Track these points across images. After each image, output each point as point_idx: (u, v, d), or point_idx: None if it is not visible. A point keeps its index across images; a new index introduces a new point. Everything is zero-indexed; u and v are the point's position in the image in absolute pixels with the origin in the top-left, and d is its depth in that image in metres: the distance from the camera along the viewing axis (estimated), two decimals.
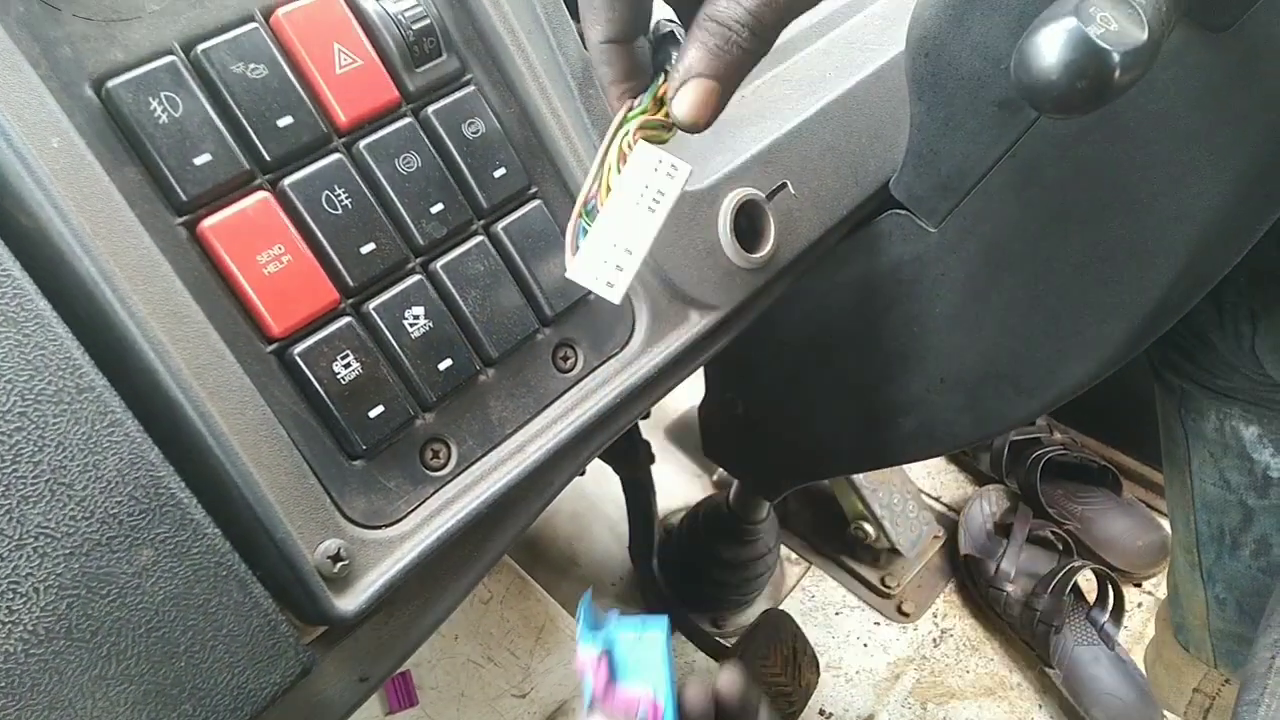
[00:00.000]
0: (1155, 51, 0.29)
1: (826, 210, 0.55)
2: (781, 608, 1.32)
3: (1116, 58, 0.28)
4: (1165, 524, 1.36)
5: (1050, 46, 0.28)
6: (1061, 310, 0.55)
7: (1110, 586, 1.26)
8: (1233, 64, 0.41)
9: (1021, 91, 0.29)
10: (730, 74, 0.36)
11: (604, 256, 0.38)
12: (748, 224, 0.52)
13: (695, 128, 0.37)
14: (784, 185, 0.53)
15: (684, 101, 0.37)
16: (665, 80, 0.39)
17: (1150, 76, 0.43)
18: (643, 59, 0.40)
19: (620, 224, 0.38)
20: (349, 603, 0.38)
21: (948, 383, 0.65)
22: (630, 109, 0.40)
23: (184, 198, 0.35)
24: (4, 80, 0.32)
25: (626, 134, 0.39)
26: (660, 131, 0.40)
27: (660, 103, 0.39)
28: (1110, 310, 0.53)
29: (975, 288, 0.58)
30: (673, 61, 0.39)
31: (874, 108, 0.57)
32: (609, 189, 0.38)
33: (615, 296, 0.38)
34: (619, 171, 0.38)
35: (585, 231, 0.38)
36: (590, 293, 0.47)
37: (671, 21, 0.44)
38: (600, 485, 1.43)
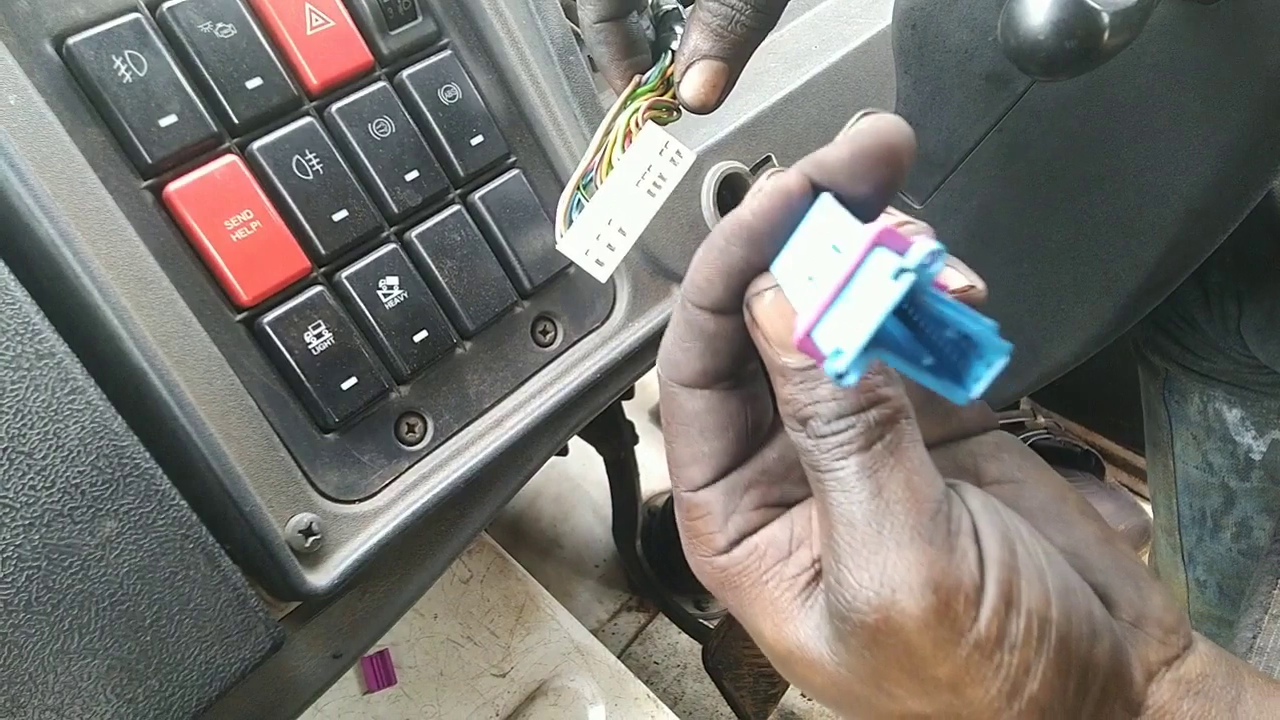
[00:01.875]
0: (1145, 15, 0.28)
1: None
2: None
3: (1106, 18, 0.27)
4: (1148, 508, 1.37)
5: (1039, 5, 0.27)
6: (1047, 288, 0.55)
7: None
8: (1221, 39, 0.41)
9: (1009, 53, 0.28)
10: (737, 53, 0.36)
11: (597, 233, 0.37)
12: (731, 197, 0.52)
13: (704, 109, 0.37)
14: (768, 159, 0.52)
15: (691, 83, 0.36)
16: (672, 61, 0.38)
17: (1139, 50, 0.43)
18: (638, 34, 0.39)
19: (618, 203, 0.37)
20: (321, 578, 0.37)
21: None
22: (638, 85, 0.39)
23: (149, 160, 0.34)
24: None
25: (636, 111, 0.38)
26: (666, 113, 0.39)
27: (668, 83, 0.39)
28: (1096, 289, 0.52)
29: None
30: (677, 41, 0.38)
31: (860, 82, 0.56)
32: (610, 165, 0.38)
33: (603, 275, 0.38)
34: (623, 149, 0.38)
35: (580, 205, 0.37)
36: (571, 265, 0.46)
37: None
38: (584, 467, 1.42)
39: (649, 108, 0.38)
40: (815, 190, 0.24)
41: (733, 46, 0.35)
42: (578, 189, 0.38)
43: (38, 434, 0.31)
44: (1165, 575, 0.91)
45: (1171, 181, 0.46)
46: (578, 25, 0.48)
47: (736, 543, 0.27)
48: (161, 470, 0.33)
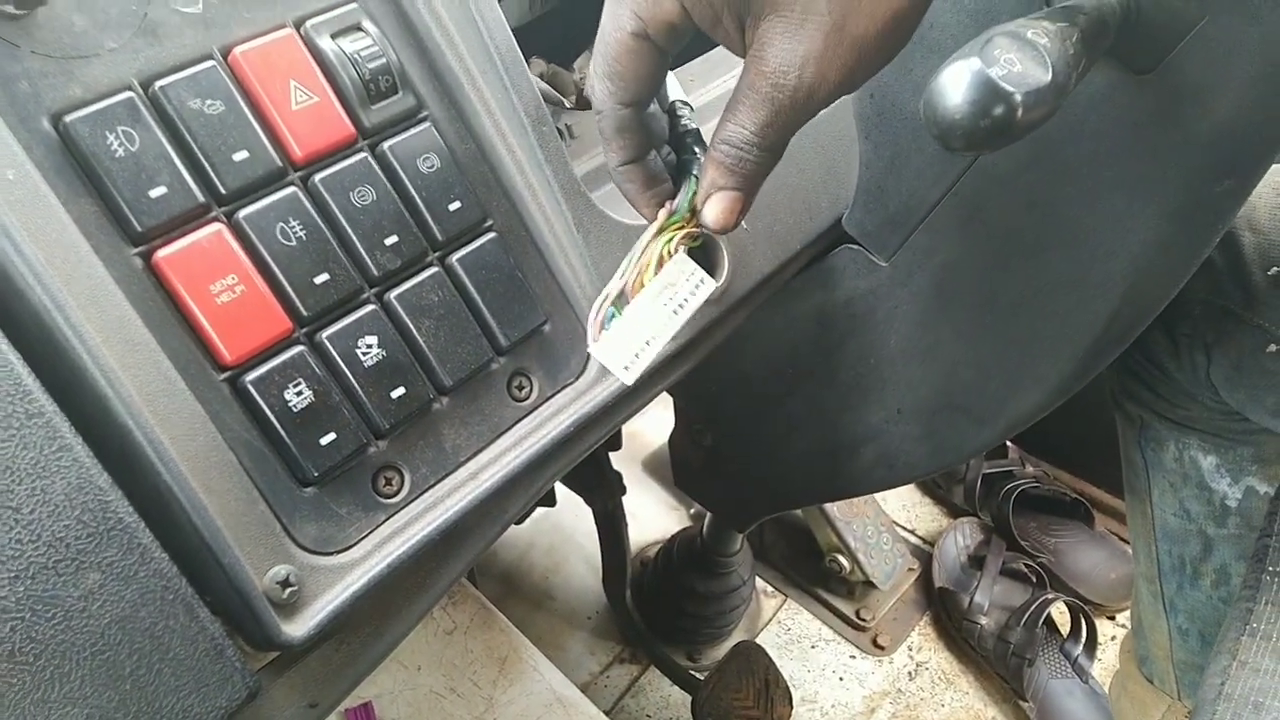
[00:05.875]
0: (1061, 92, 0.30)
1: (780, 245, 0.56)
2: (757, 641, 1.31)
3: (1019, 98, 0.29)
4: None
5: (955, 87, 0.29)
6: (1010, 342, 0.57)
7: (1083, 619, 1.27)
8: (1156, 106, 0.43)
9: (931, 132, 0.30)
10: (749, 183, 0.41)
11: (627, 343, 0.41)
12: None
13: (725, 231, 0.42)
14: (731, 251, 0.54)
15: (713, 211, 0.41)
16: (695, 188, 0.43)
17: (1081, 117, 0.45)
18: (658, 169, 0.45)
19: (647, 318, 0.42)
20: (298, 629, 0.38)
21: (905, 413, 0.66)
22: (670, 214, 0.43)
23: (139, 229, 0.36)
24: None
25: (670, 241, 0.43)
26: (693, 240, 0.44)
27: (693, 210, 0.43)
28: (1055, 341, 0.54)
29: (927, 320, 0.59)
30: (696, 168, 0.44)
31: (826, 146, 0.58)
32: (642, 285, 0.42)
33: (630, 379, 0.42)
34: (655, 273, 0.42)
35: (613, 317, 0.42)
36: (546, 323, 0.48)
37: (684, 104, 0.47)
38: (576, 518, 1.43)
39: (683, 237, 0.43)
40: None
41: (744, 179, 0.40)
42: (612, 303, 0.41)
43: (25, 490, 0.32)
44: (1148, 624, 0.92)
45: (1119, 240, 0.48)
46: (547, 98, 0.51)
47: None
48: (144, 524, 0.35)
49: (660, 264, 0.43)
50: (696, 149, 0.45)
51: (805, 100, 0.37)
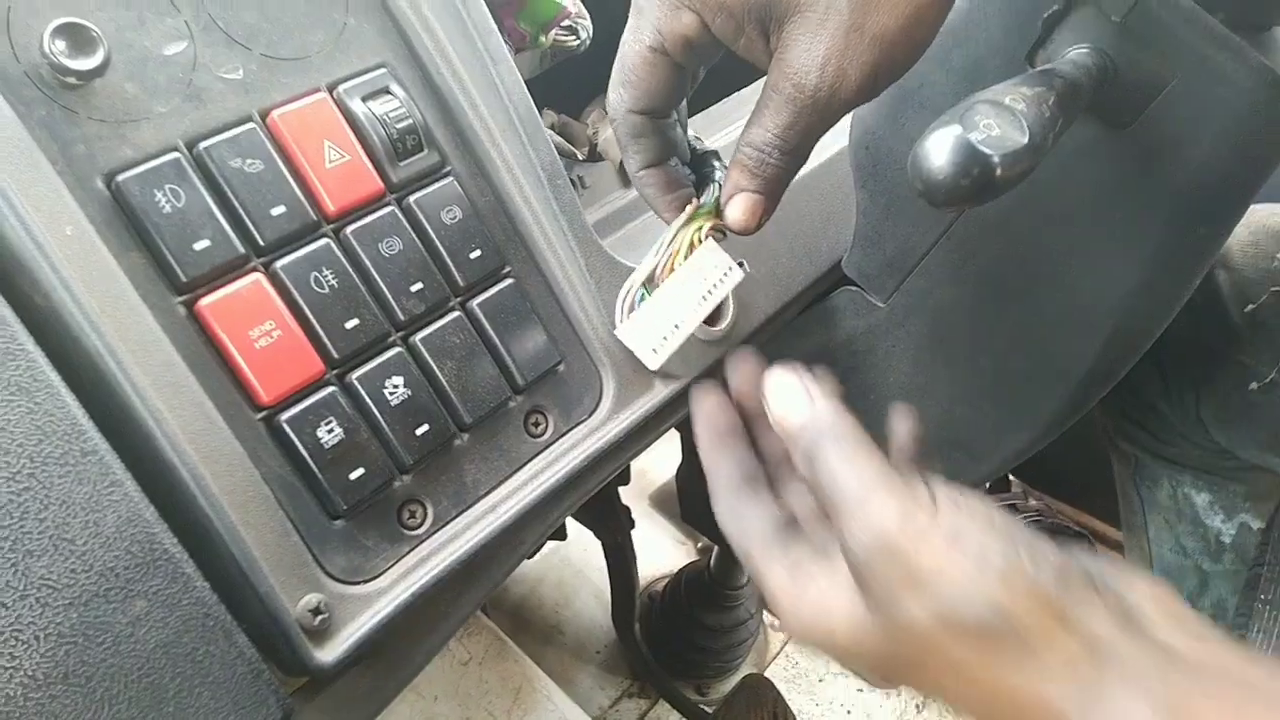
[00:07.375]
0: (1037, 151, 0.33)
1: (782, 287, 0.59)
2: (765, 674, 1.32)
3: (996, 159, 0.32)
4: None
5: (938, 150, 0.32)
6: (1003, 379, 0.59)
7: None
8: (1135, 158, 0.46)
9: (916, 188, 0.33)
10: (770, 187, 0.42)
11: (655, 327, 0.42)
12: None
13: (746, 232, 0.43)
14: (741, 264, 0.57)
15: (734, 210, 0.43)
16: (719, 192, 0.44)
17: (1065, 168, 0.48)
18: (678, 174, 0.46)
19: (675, 302, 0.43)
20: (328, 654, 0.41)
21: None
22: (699, 206, 0.44)
23: (184, 279, 0.39)
24: (25, 176, 0.36)
25: (700, 229, 0.44)
26: (722, 233, 0.45)
27: (717, 209, 0.45)
28: (1046, 380, 0.57)
29: (924, 358, 0.62)
30: (719, 174, 0.45)
31: (825, 194, 0.61)
32: (672, 269, 0.43)
33: (655, 364, 0.43)
34: (685, 258, 0.43)
35: (642, 299, 0.42)
36: (561, 363, 0.50)
37: (698, 139, 0.50)
38: (586, 552, 1.44)
39: (712, 227, 0.44)
40: None
41: (765, 183, 0.42)
42: (642, 286, 0.42)
43: (80, 522, 0.35)
44: None
45: (1103, 284, 0.50)
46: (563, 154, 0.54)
47: None
48: (187, 555, 0.37)
49: (690, 250, 0.43)
50: (716, 162, 0.46)
51: (827, 100, 0.37)
